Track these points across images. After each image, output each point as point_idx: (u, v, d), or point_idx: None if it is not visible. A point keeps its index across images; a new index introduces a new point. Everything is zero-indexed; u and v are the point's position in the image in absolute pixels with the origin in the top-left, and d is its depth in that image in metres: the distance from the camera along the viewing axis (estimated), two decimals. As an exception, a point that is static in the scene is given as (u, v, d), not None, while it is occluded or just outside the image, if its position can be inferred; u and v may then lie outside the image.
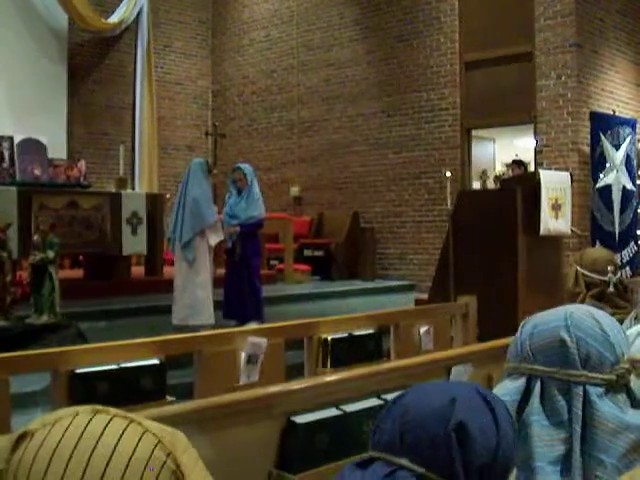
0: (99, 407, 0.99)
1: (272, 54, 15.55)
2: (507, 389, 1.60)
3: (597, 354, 1.54)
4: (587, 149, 11.50)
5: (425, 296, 9.94)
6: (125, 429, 0.95)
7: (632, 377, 1.81)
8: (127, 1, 14.81)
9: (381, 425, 1.33)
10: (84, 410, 0.98)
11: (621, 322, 2.31)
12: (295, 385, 3.00)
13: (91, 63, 14.80)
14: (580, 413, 1.51)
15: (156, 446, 0.95)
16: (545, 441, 1.52)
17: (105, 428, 0.94)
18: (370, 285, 12.75)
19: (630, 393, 1.58)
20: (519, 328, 1.67)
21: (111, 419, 0.96)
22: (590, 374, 1.53)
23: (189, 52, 16.35)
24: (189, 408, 2.74)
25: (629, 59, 12.84)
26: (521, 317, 1.75)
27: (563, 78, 11.61)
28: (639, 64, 13.08)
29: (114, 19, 14.71)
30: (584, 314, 1.60)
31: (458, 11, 12.80)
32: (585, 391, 1.53)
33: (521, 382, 1.59)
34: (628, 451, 1.48)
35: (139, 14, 15.00)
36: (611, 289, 4.98)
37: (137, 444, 0.94)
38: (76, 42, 14.59)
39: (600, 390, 1.53)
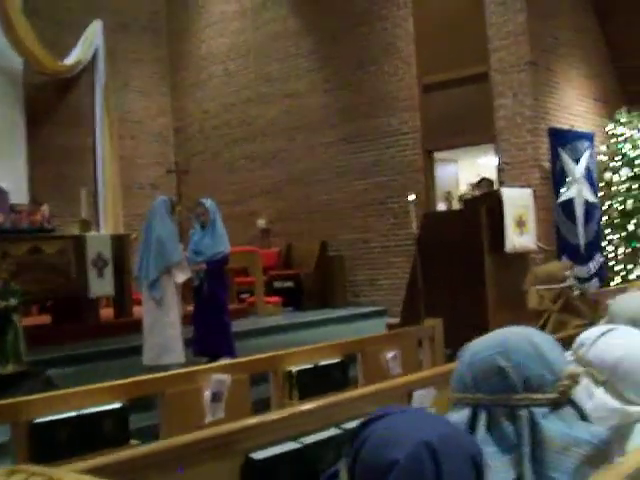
0: (19, 467, 0.97)
1: (231, 88, 15.60)
2: (452, 421, 1.59)
3: (536, 375, 1.56)
4: (548, 165, 11.61)
5: (397, 320, 9.93)
6: None
7: (591, 386, 1.81)
8: (82, 42, 14.74)
9: (352, 442, 1.37)
10: (2, 473, 0.96)
11: None
12: (253, 421, 2.97)
13: (49, 105, 14.70)
14: (527, 435, 1.52)
15: None
16: (497, 467, 1.51)
17: None
18: (342, 313, 12.74)
19: (576, 407, 1.59)
20: (457, 358, 1.68)
21: (27, 478, 0.94)
22: (532, 396, 1.55)
23: (148, 90, 16.36)
24: (146, 452, 2.69)
25: (583, 74, 13.00)
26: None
27: (520, 96, 11.72)
28: (593, 79, 13.24)
29: (70, 60, 14.63)
30: (518, 337, 1.62)
31: (414, 35, 12.91)
32: (530, 413, 1.54)
33: (465, 412, 1.60)
34: (579, 466, 1.49)
35: (95, 54, 14.95)
36: (576, 292, 5.04)
37: None
38: (33, 85, 14.46)
39: (545, 410, 1.54)
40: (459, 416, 1.60)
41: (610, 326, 2.08)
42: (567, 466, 1.48)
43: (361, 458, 1.32)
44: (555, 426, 1.52)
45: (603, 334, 2.03)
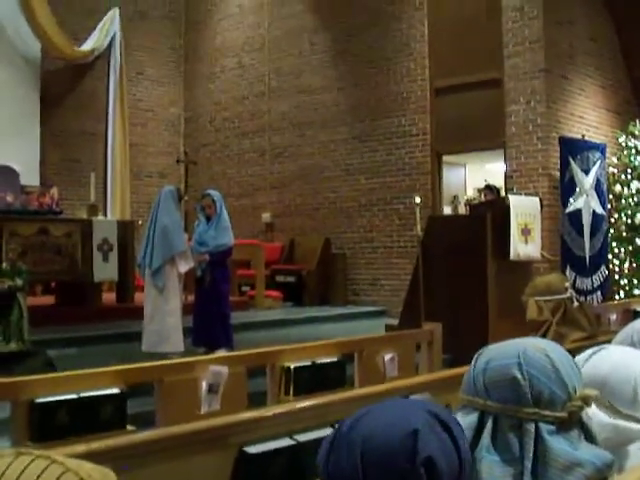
0: (23, 449, 1.00)
1: (243, 81, 15.62)
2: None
3: (549, 392, 1.55)
4: (557, 174, 11.55)
5: (396, 322, 9.94)
6: (45, 469, 0.96)
7: (587, 411, 1.82)
8: (99, 29, 14.84)
9: (335, 454, 1.35)
10: (8, 453, 0.99)
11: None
12: (249, 415, 3.00)
13: (64, 90, 14.78)
14: (531, 450, 1.51)
15: None
16: (496, 477, 1.51)
17: (25, 469, 0.96)
18: (341, 311, 12.74)
19: (584, 428, 1.59)
20: (473, 360, 1.67)
21: (32, 460, 0.98)
22: (542, 412, 1.54)
23: (161, 79, 16.40)
24: (143, 439, 2.73)
25: (598, 84, 12.97)
26: (491, 342, 1.76)
27: (532, 103, 11.71)
28: (608, 89, 13.21)
29: (87, 47, 14.72)
30: (537, 351, 1.60)
31: (428, 38, 12.90)
32: (537, 428, 1.53)
33: (473, 417, 1.60)
34: None
35: (111, 42, 15.01)
36: (575, 304, 5.03)
37: None
38: (49, 70, 14.57)
39: (552, 427, 1.54)
40: (467, 421, 1.60)
41: (601, 345, 2.11)
42: None
43: (369, 449, 1.32)
44: (560, 445, 1.51)
45: (594, 353, 2.04)
